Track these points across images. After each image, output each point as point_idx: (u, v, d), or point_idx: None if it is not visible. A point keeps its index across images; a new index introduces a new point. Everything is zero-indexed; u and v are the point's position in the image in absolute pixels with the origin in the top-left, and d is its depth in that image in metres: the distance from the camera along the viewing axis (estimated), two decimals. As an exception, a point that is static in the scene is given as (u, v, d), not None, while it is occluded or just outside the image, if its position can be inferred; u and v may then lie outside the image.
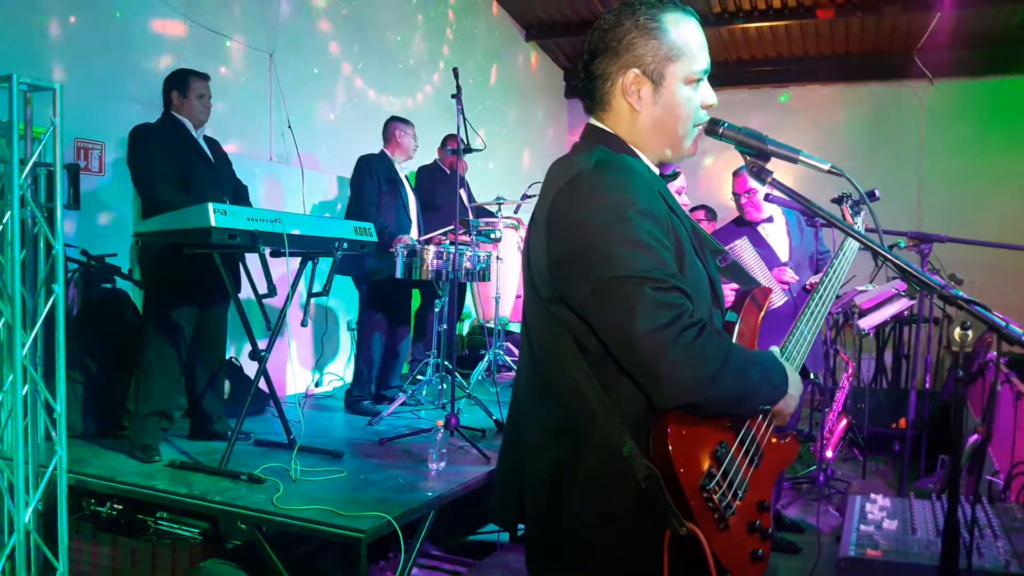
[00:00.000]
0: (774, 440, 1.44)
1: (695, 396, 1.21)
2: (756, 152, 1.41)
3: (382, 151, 4.84)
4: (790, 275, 3.67)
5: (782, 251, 3.80)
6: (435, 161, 5.62)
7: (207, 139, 3.83)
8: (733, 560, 1.27)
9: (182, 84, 3.68)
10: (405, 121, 4.95)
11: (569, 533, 1.32)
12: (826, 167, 1.38)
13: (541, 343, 1.38)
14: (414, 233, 4.80)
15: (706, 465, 1.27)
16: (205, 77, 3.76)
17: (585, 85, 1.41)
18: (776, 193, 3.55)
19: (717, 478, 1.27)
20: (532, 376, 1.42)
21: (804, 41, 8.26)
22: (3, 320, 2.76)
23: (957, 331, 1.23)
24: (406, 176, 4.94)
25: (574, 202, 1.27)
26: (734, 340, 1.44)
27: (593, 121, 1.43)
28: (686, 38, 1.36)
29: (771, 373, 1.35)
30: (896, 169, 7.92)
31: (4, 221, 2.69)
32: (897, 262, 1.29)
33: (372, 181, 4.67)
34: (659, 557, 1.24)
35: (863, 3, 7.27)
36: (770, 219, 3.83)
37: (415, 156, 5.00)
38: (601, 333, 1.25)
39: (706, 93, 1.40)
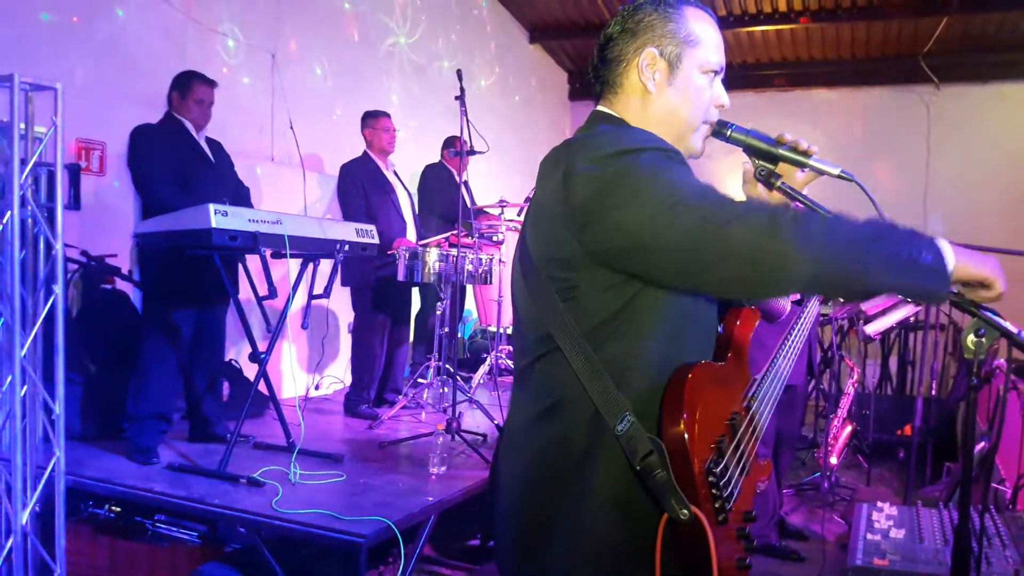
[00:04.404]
0: (755, 457, 1.43)
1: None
2: (765, 156, 1.39)
3: (364, 152, 4.73)
4: None
5: None
6: (440, 161, 5.61)
7: (209, 140, 3.80)
8: (724, 560, 1.23)
9: (183, 86, 3.66)
10: (373, 115, 4.73)
11: (552, 531, 1.25)
12: (836, 171, 1.35)
13: (527, 325, 1.32)
14: (410, 234, 4.75)
15: (711, 451, 1.24)
16: (211, 83, 3.72)
17: (597, 71, 1.38)
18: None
19: (721, 466, 1.25)
20: (517, 370, 1.38)
21: (810, 45, 8.24)
22: (2, 320, 2.74)
23: (971, 338, 1.20)
24: (395, 172, 4.78)
25: (598, 150, 1.22)
26: (727, 354, 1.39)
27: (601, 108, 1.39)
28: (704, 31, 1.35)
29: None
30: (902, 174, 7.89)
31: (4, 221, 2.67)
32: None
33: (355, 189, 4.56)
34: (649, 550, 1.19)
35: (869, 8, 7.25)
36: None
37: (418, 154, 4.91)
38: (654, 258, 1.16)
39: (719, 91, 1.38)
